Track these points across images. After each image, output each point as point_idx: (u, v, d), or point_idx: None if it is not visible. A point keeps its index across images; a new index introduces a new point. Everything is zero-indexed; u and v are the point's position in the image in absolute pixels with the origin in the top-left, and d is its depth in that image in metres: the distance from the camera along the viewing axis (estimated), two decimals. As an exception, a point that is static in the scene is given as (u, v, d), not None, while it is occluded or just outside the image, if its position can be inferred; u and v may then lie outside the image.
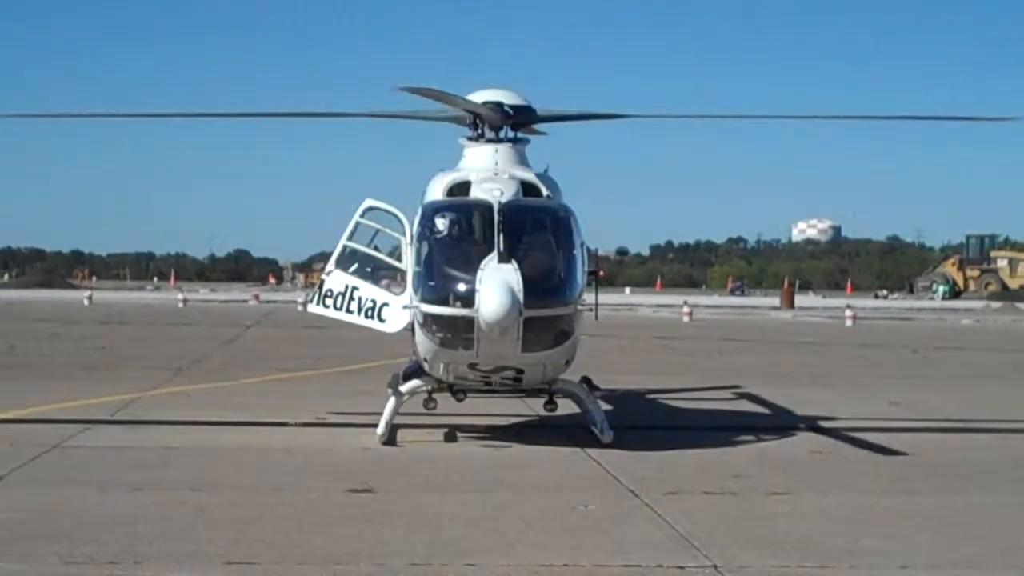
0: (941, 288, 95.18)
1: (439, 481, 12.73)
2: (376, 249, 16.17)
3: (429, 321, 14.39)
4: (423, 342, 14.69)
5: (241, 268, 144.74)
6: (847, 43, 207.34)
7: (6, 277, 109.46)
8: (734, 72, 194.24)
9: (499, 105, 15.78)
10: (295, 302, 52.47)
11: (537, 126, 16.96)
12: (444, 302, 14.23)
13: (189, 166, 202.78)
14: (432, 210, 15.12)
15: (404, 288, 15.54)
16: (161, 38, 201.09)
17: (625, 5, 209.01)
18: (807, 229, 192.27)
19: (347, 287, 16.12)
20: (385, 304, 15.91)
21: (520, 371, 14.62)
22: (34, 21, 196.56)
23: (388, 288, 16.05)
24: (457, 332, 14.13)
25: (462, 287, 14.09)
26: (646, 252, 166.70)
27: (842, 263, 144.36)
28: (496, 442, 15.34)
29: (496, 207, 14.53)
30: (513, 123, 16.16)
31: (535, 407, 16.99)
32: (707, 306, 64.61)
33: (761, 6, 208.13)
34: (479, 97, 15.97)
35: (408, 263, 15.39)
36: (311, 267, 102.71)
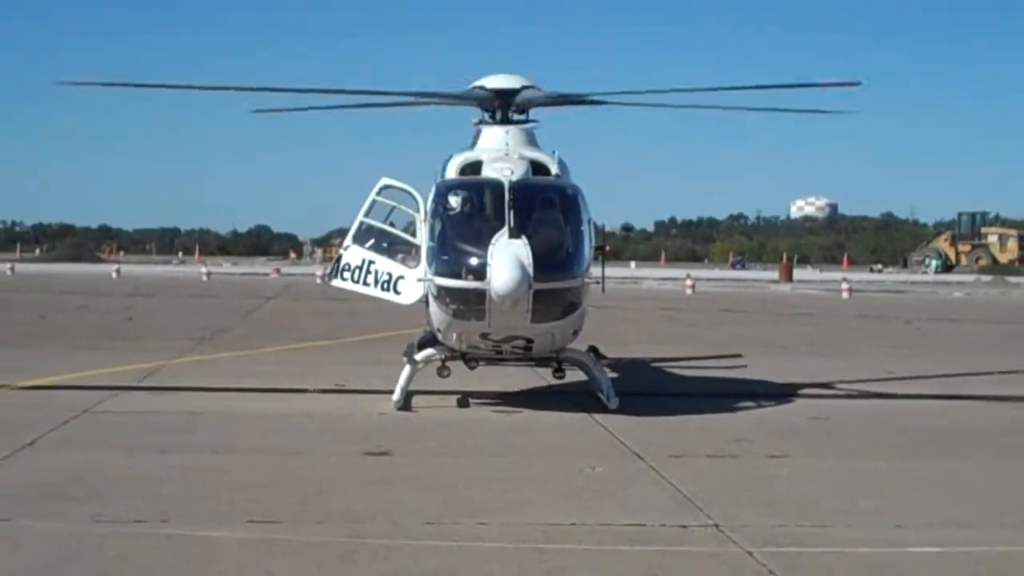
0: (934, 263, 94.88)
1: (452, 445, 12.75)
2: (392, 225, 16.19)
3: (443, 293, 14.41)
4: (437, 313, 14.71)
5: (262, 243, 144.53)
6: (839, 34, 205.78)
7: (37, 251, 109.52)
8: (735, 62, 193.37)
9: (500, 89, 15.88)
10: (314, 275, 52.45)
11: (539, 109, 16.94)
12: (457, 275, 14.27)
13: (212, 146, 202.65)
14: (446, 188, 15.13)
15: (419, 262, 15.55)
16: (184, 28, 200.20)
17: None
18: (805, 206, 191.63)
19: (364, 261, 16.13)
20: (400, 277, 15.93)
21: (530, 341, 14.64)
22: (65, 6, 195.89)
23: (403, 262, 16.07)
24: (470, 304, 14.16)
25: (475, 261, 14.12)
26: (651, 228, 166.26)
27: (839, 239, 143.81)
28: (507, 408, 15.36)
29: (507, 185, 14.55)
30: (518, 106, 16.22)
31: (544, 375, 17.01)
32: (709, 279, 64.49)
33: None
34: (486, 82, 16.11)
35: (422, 238, 15.38)
36: (329, 242, 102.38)
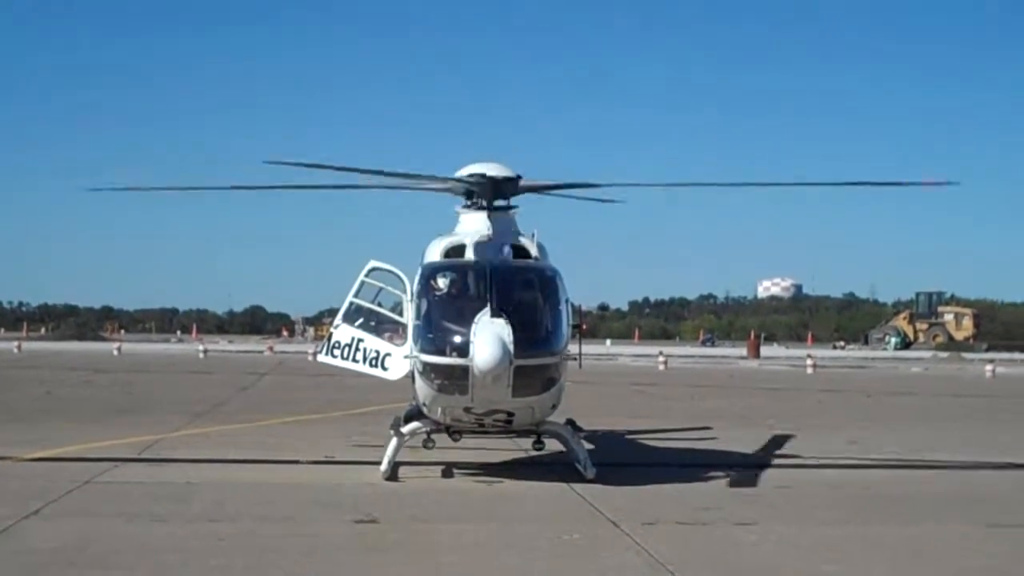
0: (893, 340, 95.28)
1: (437, 513, 12.71)
2: (379, 305, 16.23)
3: (428, 369, 14.45)
4: (422, 388, 14.74)
5: (257, 322, 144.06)
6: (805, 119, 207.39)
7: (43, 330, 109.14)
8: (709, 147, 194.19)
9: (483, 176, 15.95)
10: (306, 353, 52.38)
11: (522, 195, 17.04)
12: (442, 352, 14.31)
13: (209, 230, 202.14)
14: (431, 270, 15.22)
15: (405, 340, 15.58)
16: (186, 120, 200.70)
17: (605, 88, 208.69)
18: (771, 287, 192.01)
19: (353, 339, 16.16)
20: (388, 354, 15.94)
21: (511, 414, 14.65)
22: (72, 99, 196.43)
23: (390, 340, 16.09)
24: (454, 379, 14.20)
25: (458, 339, 14.16)
26: (625, 307, 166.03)
27: (803, 317, 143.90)
28: (489, 478, 15.34)
29: (489, 267, 14.64)
30: (502, 192, 16.30)
31: (524, 447, 16.99)
32: (681, 356, 64.56)
33: (727, 88, 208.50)
34: (470, 170, 16.15)
35: (409, 317, 15.44)
36: (320, 321, 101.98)
